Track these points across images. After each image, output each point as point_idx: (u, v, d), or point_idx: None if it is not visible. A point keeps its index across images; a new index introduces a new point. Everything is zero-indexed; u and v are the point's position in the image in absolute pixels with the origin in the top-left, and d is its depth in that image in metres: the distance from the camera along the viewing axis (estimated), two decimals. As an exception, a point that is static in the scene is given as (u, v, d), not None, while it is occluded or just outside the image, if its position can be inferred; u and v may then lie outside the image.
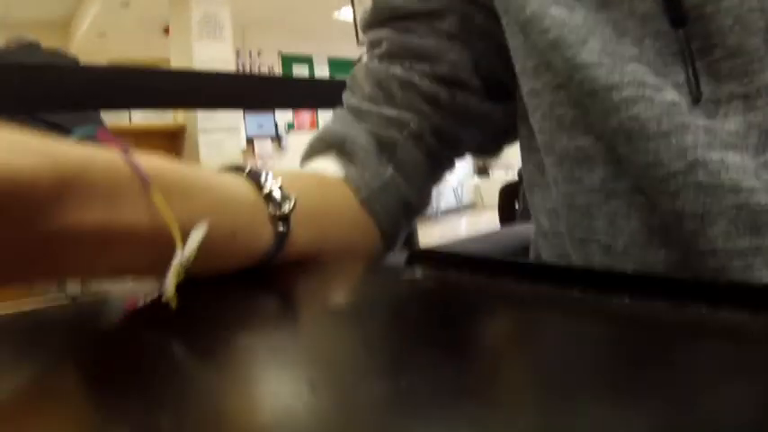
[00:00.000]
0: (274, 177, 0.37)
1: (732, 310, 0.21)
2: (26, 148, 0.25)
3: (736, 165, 0.32)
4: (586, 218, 0.39)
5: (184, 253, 0.29)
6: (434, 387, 0.17)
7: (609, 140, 0.37)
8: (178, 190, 0.31)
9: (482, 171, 9.07)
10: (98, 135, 0.29)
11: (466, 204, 8.80)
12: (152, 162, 0.30)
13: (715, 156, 0.33)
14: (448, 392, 0.17)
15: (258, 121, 7.22)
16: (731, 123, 0.33)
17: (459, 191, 8.53)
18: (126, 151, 0.29)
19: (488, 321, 0.26)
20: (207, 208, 0.32)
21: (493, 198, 4.54)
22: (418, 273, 0.33)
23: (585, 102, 0.37)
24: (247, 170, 0.37)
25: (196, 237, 0.30)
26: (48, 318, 0.31)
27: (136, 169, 0.29)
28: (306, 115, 7.73)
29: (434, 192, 0.53)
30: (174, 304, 0.28)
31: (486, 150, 0.56)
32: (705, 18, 0.34)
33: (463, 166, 8.56)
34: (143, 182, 0.29)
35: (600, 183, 0.38)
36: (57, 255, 0.27)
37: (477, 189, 9.02)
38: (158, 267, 0.29)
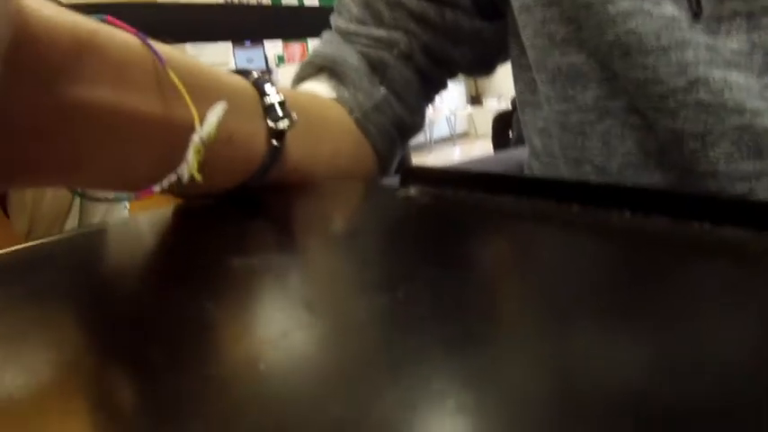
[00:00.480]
0: (278, 92, 0.36)
1: (735, 228, 0.21)
2: (49, 6, 0.24)
3: (740, 84, 0.31)
4: (580, 138, 0.39)
5: (204, 128, 0.28)
6: (432, 300, 0.17)
7: (603, 56, 0.36)
8: (186, 73, 0.30)
9: (475, 100, 8.99)
10: (108, 20, 0.28)
11: (459, 133, 8.75)
12: (162, 47, 0.30)
13: (717, 74, 0.32)
14: (446, 306, 0.17)
15: (247, 56, 7.08)
16: (734, 42, 0.32)
17: (452, 120, 8.47)
18: (137, 33, 0.28)
19: (485, 237, 0.25)
20: (213, 99, 0.31)
21: (486, 127, 4.51)
22: (413, 191, 0.32)
23: (579, 16, 0.36)
24: (254, 77, 0.37)
25: (215, 114, 0.29)
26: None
27: (150, 46, 0.28)
28: (296, 47, 7.58)
29: (427, 121, 0.52)
30: (198, 177, 0.27)
31: (478, 70, 0.56)
32: None
33: (456, 95, 8.47)
34: (158, 57, 0.28)
35: (593, 101, 0.37)
36: (67, 134, 0.26)
37: (470, 118, 8.96)
38: (167, 164, 0.28)
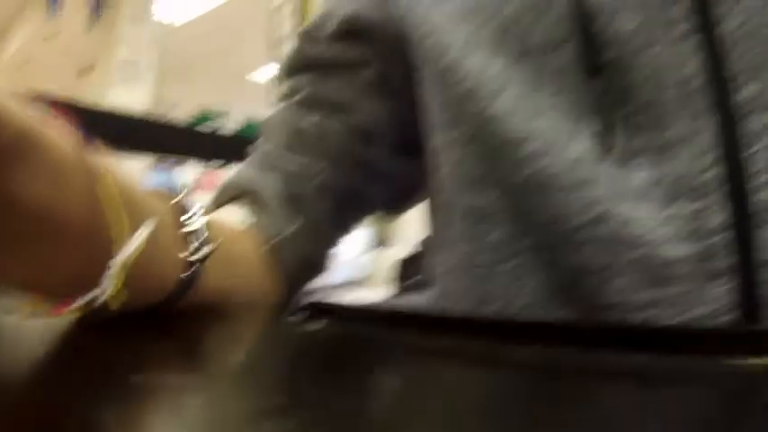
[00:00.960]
0: (202, 214, 0.35)
1: (635, 353, 0.22)
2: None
3: (641, 218, 0.33)
4: (486, 277, 0.39)
5: (129, 248, 0.27)
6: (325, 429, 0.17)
7: (514, 196, 0.37)
8: (121, 187, 0.29)
9: (381, 243, 9.08)
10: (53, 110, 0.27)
11: (363, 278, 8.74)
12: (101, 156, 0.29)
13: (621, 209, 0.33)
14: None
15: (162, 177, 6.99)
16: (641, 175, 0.34)
17: (357, 264, 8.48)
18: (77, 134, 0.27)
19: (384, 374, 0.25)
20: (140, 219, 0.29)
21: (390, 272, 4.54)
22: (319, 324, 0.32)
23: (494, 155, 0.38)
24: (179, 199, 0.35)
25: (142, 234, 0.28)
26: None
27: (87, 154, 0.27)
28: (208, 177, 7.56)
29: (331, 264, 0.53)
30: (115, 304, 0.26)
31: (392, 208, 0.57)
32: (621, 71, 0.35)
33: (360, 239, 8.54)
34: (93, 167, 0.27)
35: (502, 240, 0.38)
36: None
37: (375, 262, 9.00)
38: (84, 279, 0.27)
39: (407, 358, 0.27)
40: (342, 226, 0.52)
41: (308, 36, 0.52)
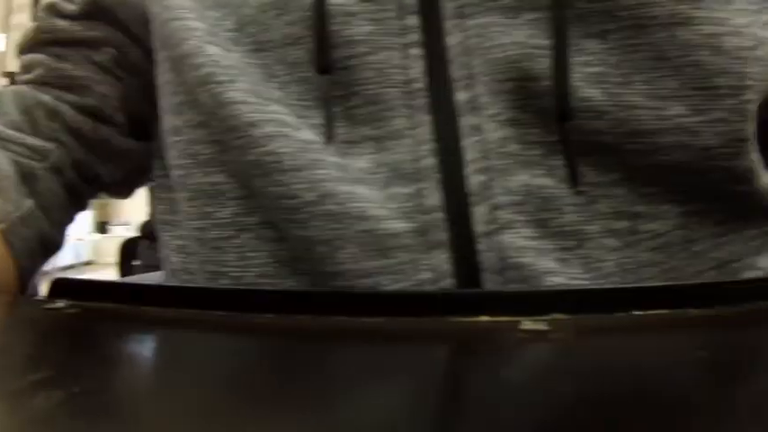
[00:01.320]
0: None
1: (365, 317, 0.24)
2: None
3: (364, 196, 0.36)
4: (217, 252, 0.41)
5: None
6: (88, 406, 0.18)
7: (243, 175, 0.39)
8: None
9: (101, 227, 8.59)
10: None
11: (84, 261, 8.19)
12: None
13: (344, 188, 0.36)
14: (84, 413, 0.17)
15: None
16: (363, 161, 0.37)
17: (78, 247, 7.92)
18: None
19: (128, 347, 0.26)
20: None
21: (112, 255, 4.31)
22: (61, 303, 0.32)
23: (225, 138, 0.39)
24: None
25: None
26: None
27: None
28: None
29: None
30: None
31: (122, 190, 0.56)
32: (349, 69, 0.37)
33: (81, 222, 7.99)
34: None
35: (231, 217, 0.40)
36: None
37: (95, 245, 8.48)
38: None
39: (152, 328, 0.28)
40: (74, 205, 0.51)
41: (50, 10, 0.50)
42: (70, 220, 0.51)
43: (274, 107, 0.38)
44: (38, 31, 0.51)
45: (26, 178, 0.45)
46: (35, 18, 0.52)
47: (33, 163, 0.46)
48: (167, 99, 0.44)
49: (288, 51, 0.39)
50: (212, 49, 0.40)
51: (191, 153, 0.42)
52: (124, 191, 0.56)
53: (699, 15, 0.36)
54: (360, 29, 0.38)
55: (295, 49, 0.39)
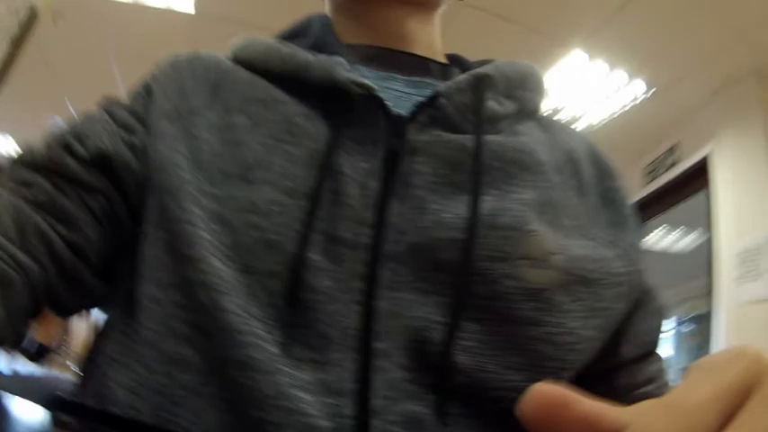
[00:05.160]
0: None
1: None
2: None
3: (305, 400, 0.45)
4: (175, 406, 0.46)
5: None
6: None
7: (218, 362, 0.46)
8: None
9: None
10: None
11: None
12: None
13: (294, 391, 0.45)
14: None
15: None
16: (307, 375, 0.46)
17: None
18: None
19: None
20: None
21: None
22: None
23: (210, 331, 0.46)
24: None
25: None
26: None
27: None
28: None
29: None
30: None
31: (69, 314, 0.59)
32: (309, 309, 0.47)
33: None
34: None
35: (191, 383, 0.46)
36: None
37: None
38: None
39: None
40: (28, 326, 0.53)
41: (64, 147, 0.54)
42: (23, 336, 0.53)
43: (254, 322, 0.46)
44: (49, 159, 0.53)
45: (3, 284, 0.48)
46: (48, 146, 0.54)
47: (13, 273, 0.48)
48: (151, 271, 0.50)
49: (268, 281, 0.48)
50: (215, 262, 0.47)
51: (168, 324, 0.48)
52: (70, 314, 0.59)
53: (546, 319, 0.50)
54: (323, 282, 0.48)
55: (274, 281, 0.48)
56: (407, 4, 0.66)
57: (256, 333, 0.46)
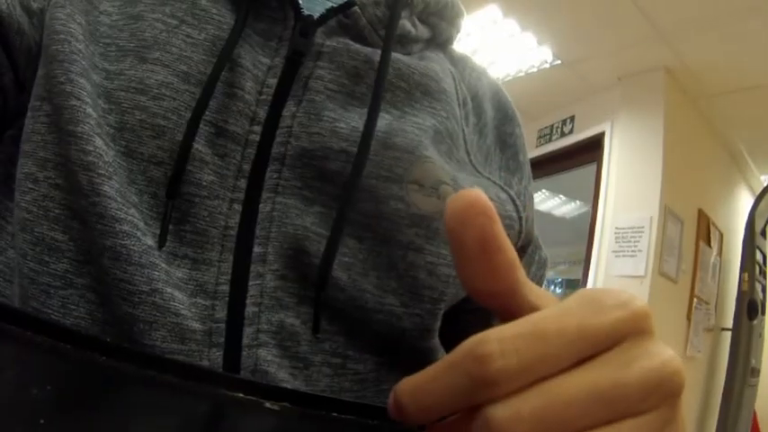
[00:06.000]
0: None
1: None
2: None
3: (179, 299, 0.43)
4: (44, 296, 0.43)
5: None
6: None
7: (92, 250, 0.43)
8: None
9: None
10: None
11: None
12: None
13: (168, 289, 0.43)
14: None
15: None
16: (181, 273, 0.44)
17: None
18: None
19: None
20: None
21: None
22: None
23: (86, 216, 0.43)
24: None
25: None
26: None
27: None
28: None
29: None
30: None
31: None
32: (189, 203, 0.45)
33: None
34: None
35: (63, 272, 0.43)
36: None
37: None
38: None
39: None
40: None
41: None
42: None
43: (132, 210, 0.44)
44: None
45: None
46: None
47: None
48: (31, 147, 0.46)
49: (150, 168, 0.45)
50: (98, 142, 0.44)
51: (43, 206, 0.44)
52: None
53: (428, 248, 0.50)
54: (206, 176, 0.46)
55: (156, 169, 0.45)
56: None
57: (133, 222, 0.44)
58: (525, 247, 0.62)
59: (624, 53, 3.33)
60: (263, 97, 0.49)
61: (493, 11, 3.19)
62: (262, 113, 0.49)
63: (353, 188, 0.47)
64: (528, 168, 0.65)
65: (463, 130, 0.58)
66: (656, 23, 3.03)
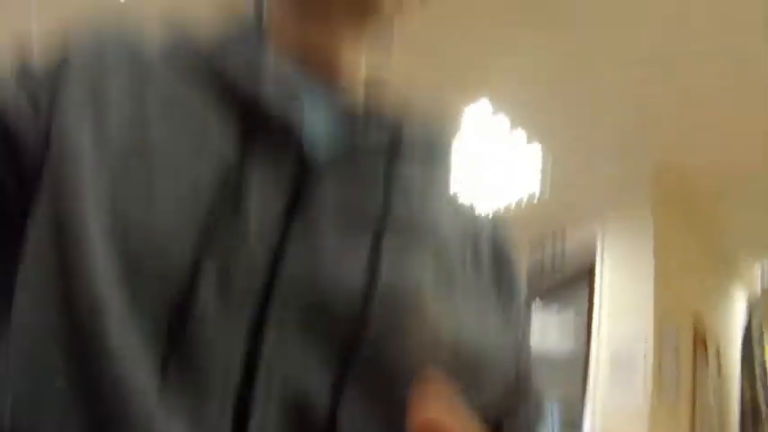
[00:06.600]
0: None
1: None
2: None
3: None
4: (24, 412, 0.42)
5: None
6: None
7: (84, 390, 0.42)
8: None
9: None
10: None
11: None
12: None
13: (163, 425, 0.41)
14: None
15: None
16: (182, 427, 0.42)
17: None
18: None
19: None
20: None
21: None
22: None
23: (80, 352, 0.42)
24: None
25: None
26: None
27: None
28: None
29: None
30: None
31: None
32: (194, 345, 0.44)
33: None
34: None
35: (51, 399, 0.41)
36: None
37: None
38: None
39: None
40: None
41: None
42: None
43: (131, 338, 0.42)
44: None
45: None
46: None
47: None
48: (32, 257, 0.45)
49: (152, 319, 0.44)
50: (101, 286, 0.43)
51: (39, 327, 0.43)
52: None
53: None
54: (208, 331, 0.44)
55: (159, 312, 0.44)
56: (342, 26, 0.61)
57: (129, 358, 0.43)
58: (520, 391, 0.61)
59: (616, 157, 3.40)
60: (267, 240, 0.49)
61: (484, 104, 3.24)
62: (264, 261, 0.48)
63: (356, 348, 0.48)
64: (526, 310, 0.65)
65: (462, 270, 0.59)
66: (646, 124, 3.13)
